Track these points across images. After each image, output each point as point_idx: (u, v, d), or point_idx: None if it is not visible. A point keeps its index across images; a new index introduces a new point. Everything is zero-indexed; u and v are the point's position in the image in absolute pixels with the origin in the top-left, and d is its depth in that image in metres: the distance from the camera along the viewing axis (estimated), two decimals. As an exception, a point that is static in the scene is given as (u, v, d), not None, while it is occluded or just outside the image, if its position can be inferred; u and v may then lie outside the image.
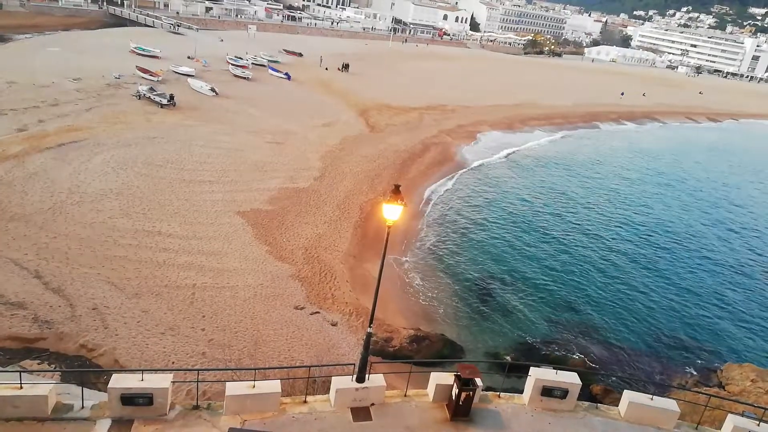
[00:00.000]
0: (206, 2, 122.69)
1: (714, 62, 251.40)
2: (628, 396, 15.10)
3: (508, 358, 23.40)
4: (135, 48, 69.99)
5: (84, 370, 17.15)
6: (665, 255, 38.88)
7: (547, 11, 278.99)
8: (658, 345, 27.15)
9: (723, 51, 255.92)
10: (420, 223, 36.91)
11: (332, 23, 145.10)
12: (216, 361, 19.23)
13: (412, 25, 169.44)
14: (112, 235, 25.99)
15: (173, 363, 18.66)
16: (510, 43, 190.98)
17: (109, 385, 12.02)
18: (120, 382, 12.15)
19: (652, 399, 14.93)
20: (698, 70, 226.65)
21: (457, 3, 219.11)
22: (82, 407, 12.23)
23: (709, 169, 70.75)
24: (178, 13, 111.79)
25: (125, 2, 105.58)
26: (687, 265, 37.83)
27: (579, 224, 42.00)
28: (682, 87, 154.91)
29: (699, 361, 26.13)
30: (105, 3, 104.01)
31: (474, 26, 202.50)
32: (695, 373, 24.93)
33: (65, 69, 54.97)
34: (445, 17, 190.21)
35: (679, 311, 30.86)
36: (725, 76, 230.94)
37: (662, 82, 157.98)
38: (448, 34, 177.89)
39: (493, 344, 24.84)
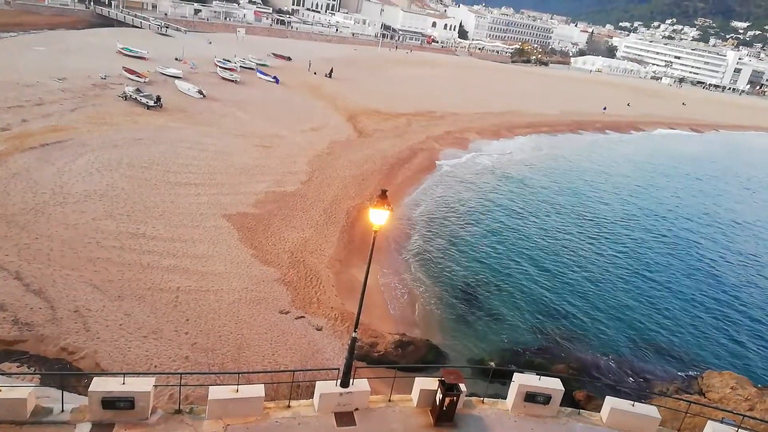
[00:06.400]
0: (195, 4, 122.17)
1: (697, 74, 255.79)
2: (610, 402, 15.25)
3: (492, 363, 23.46)
4: (122, 49, 69.47)
5: (64, 373, 16.89)
6: (647, 262, 39.35)
7: (534, 21, 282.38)
8: (640, 352, 27.44)
9: (706, 63, 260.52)
10: (406, 229, 36.96)
11: (336, 30, 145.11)
12: (199, 365, 19.05)
13: (401, 32, 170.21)
14: (95, 237, 25.69)
15: (155, 367, 18.45)
16: (498, 52, 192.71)
17: (90, 389, 11.88)
18: (101, 385, 12.02)
19: (633, 405, 15.10)
20: (681, 81, 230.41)
21: (446, 11, 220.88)
22: (62, 411, 12.08)
23: (692, 178, 71.82)
24: (166, 14, 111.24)
25: (113, 2, 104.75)
26: (669, 272, 38.31)
27: (563, 232, 42.38)
28: (665, 98, 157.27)
29: (680, 369, 26.42)
30: (92, 3, 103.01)
31: (462, 34, 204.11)
32: (676, 380, 25.20)
33: (50, 68, 54.35)
34: (434, 24, 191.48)
35: (660, 319, 31.23)
36: (707, 88, 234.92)
37: (646, 92, 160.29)
38: (437, 41, 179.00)
39: (478, 350, 24.92)
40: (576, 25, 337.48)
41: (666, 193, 61.60)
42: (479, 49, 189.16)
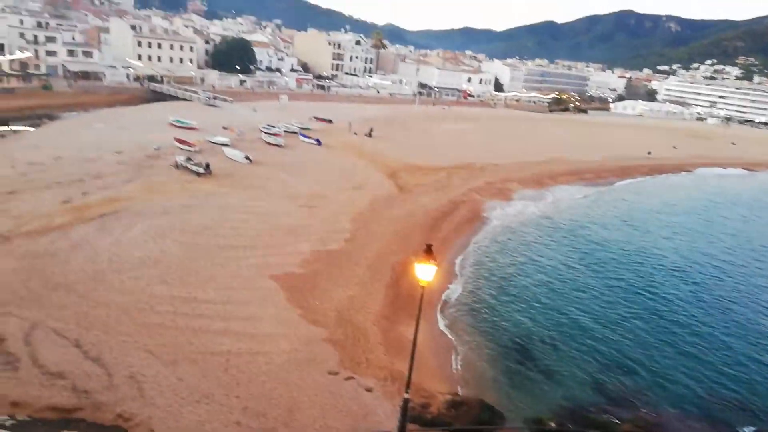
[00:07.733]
0: (240, 75, 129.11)
1: (744, 112, 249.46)
2: (684, 465, 14.16)
3: (551, 423, 22.34)
4: (174, 121, 73.54)
5: (120, 441, 17.04)
6: (715, 310, 37.25)
7: (569, 69, 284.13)
8: (714, 408, 25.60)
9: (752, 101, 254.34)
10: (453, 282, 36.50)
11: (377, 91, 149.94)
12: (250, 431, 18.89)
13: (437, 89, 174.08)
14: (149, 302, 26.41)
15: (208, 432, 18.40)
16: (534, 102, 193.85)
17: (145, 457, 11.90)
18: (156, 453, 12.01)
19: (710, 468, 13.95)
20: (728, 120, 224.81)
21: (480, 66, 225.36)
22: (118, 480, 12.08)
23: (756, 221, 68.64)
24: (213, 86, 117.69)
25: (164, 79, 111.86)
26: (746, 325, 35.99)
27: (622, 280, 40.84)
28: (712, 138, 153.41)
29: (759, 425, 24.43)
30: (146, 80, 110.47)
31: (498, 87, 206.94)
32: (755, 438, 23.31)
33: (108, 143, 57.85)
34: (469, 80, 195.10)
35: (734, 371, 29.20)
36: (757, 126, 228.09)
37: (692, 133, 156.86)
38: (473, 96, 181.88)
39: (535, 409, 23.83)
40: (612, 72, 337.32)
41: (725, 236, 58.91)
42: (516, 100, 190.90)
